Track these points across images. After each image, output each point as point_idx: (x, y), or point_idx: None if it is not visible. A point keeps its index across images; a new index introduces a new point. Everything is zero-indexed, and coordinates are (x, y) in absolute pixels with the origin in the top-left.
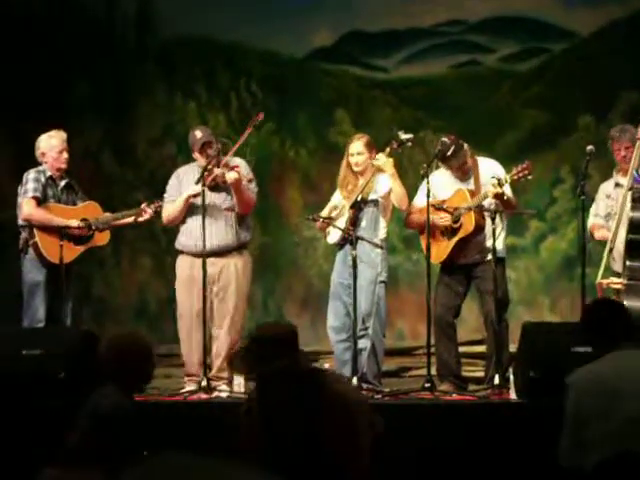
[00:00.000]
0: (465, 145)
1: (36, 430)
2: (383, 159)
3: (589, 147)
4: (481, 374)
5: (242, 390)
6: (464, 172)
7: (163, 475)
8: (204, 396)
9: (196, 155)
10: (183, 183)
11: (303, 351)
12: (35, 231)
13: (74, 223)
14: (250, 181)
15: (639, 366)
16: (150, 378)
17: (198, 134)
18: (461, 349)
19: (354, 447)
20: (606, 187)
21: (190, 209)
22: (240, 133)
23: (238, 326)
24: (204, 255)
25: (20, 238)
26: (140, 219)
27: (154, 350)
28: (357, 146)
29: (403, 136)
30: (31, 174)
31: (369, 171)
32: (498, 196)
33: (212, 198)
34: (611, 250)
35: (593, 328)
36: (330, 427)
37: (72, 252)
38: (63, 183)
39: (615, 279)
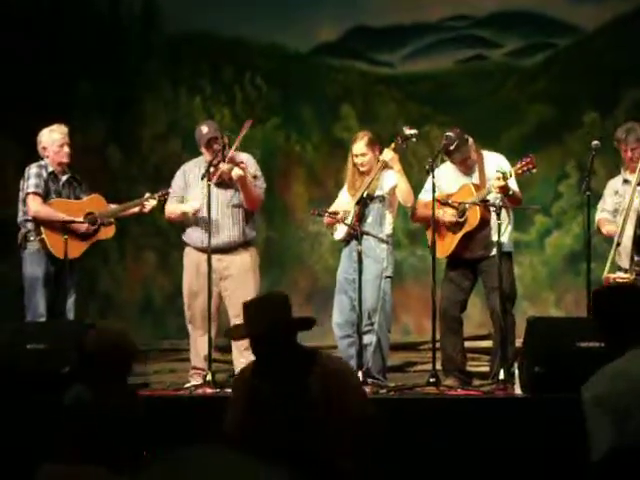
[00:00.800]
0: (470, 140)
1: (40, 425)
2: (390, 155)
3: (594, 142)
4: (486, 369)
5: None
6: (467, 166)
7: (181, 472)
8: (209, 390)
9: (202, 150)
10: (189, 180)
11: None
12: (42, 228)
13: (81, 219)
14: (256, 177)
15: None
16: (127, 373)
17: (204, 129)
18: (466, 344)
19: (340, 416)
20: (614, 183)
21: (197, 213)
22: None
23: None
24: (210, 251)
25: (19, 233)
26: (145, 210)
27: (133, 347)
28: (359, 147)
29: (408, 132)
30: (32, 169)
31: (375, 168)
32: (502, 190)
33: (219, 194)
34: (618, 245)
35: (605, 319)
36: (318, 397)
37: (79, 247)
38: (65, 178)
39: (622, 274)
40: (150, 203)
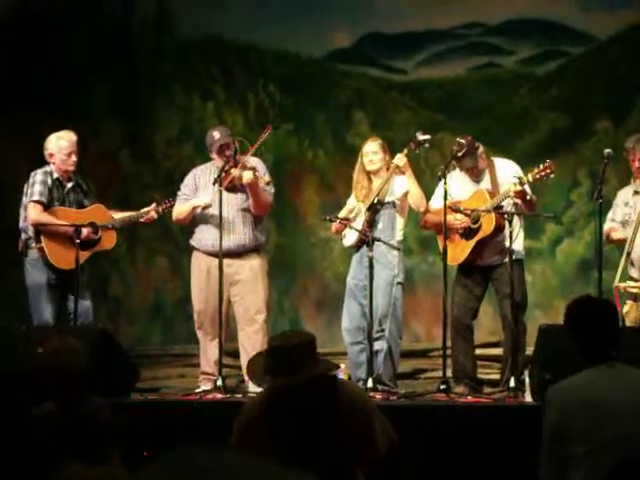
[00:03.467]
0: (481, 148)
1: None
2: (403, 160)
3: (607, 150)
4: (496, 377)
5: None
6: (476, 174)
7: (182, 472)
8: (219, 396)
9: (214, 155)
10: (199, 183)
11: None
12: (42, 236)
13: (83, 228)
14: (267, 183)
15: (628, 382)
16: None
17: (216, 135)
18: (477, 351)
19: (369, 452)
20: (624, 194)
21: (207, 209)
22: (256, 136)
23: (266, 328)
24: (220, 255)
25: (20, 240)
26: (148, 221)
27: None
28: (372, 146)
29: (421, 137)
30: (38, 175)
31: (385, 172)
32: (520, 195)
33: (229, 199)
34: (628, 254)
35: (576, 333)
36: (345, 436)
37: (80, 256)
38: (70, 185)
39: (632, 283)
40: (152, 215)
